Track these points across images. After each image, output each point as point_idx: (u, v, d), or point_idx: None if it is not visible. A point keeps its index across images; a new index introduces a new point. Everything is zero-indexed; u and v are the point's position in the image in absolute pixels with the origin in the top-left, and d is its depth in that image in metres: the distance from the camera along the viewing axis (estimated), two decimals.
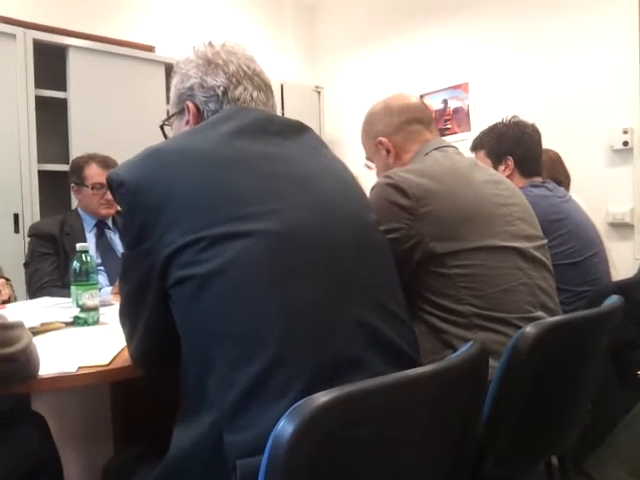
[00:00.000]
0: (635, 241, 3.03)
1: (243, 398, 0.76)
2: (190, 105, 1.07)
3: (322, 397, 0.63)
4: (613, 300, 1.18)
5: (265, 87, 1.10)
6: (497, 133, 2.00)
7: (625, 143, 3.02)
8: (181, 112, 1.11)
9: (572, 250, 1.80)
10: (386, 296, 0.93)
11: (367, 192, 1.14)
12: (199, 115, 1.07)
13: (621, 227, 3.07)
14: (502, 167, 1.96)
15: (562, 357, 1.10)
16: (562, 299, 1.43)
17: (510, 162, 1.96)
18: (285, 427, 0.61)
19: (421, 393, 0.75)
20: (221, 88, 1.05)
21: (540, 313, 1.22)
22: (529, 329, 1.00)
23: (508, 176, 1.90)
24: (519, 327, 1.05)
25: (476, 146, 2.08)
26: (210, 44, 1.10)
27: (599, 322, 1.15)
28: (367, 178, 1.49)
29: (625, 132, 3.01)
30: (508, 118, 2.03)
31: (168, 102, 1.20)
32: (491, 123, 2.08)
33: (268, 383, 0.76)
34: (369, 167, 1.54)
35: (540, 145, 2.02)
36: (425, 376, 0.74)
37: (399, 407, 0.73)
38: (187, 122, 1.09)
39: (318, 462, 0.63)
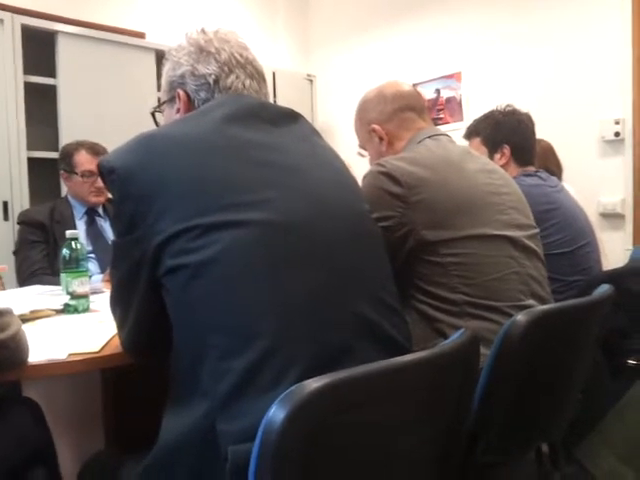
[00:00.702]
0: (626, 231, 3.04)
1: (236, 388, 0.75)
2: (181, 93, 1.06)
3: (314, 383, 0.62)
4: (604, 289, 1.19)
5: (258, 75, 1.08)
6: (494, 121, 1.97)
7: (617, 134, 3.02)
8: (172, 100, 1.09)
9: (564, 240, 1.80)
10: (380, 286, 0.92)
11: (359, 180, 1.13)
12: (190, 103, 1.06)
13: (612, 217, 3.08)
14: (498, 155, 1.94)
15: (553, 345, 1.10)
16: (554, 288, 1.43)
17: (506, 150, 1.93)
18: (277, 413, 0.61)
19: (413, 380, 0.75)
20: (212, 76, 1.03)
21: (531, 301, 1.22)
22: (520, 317, 1.00)
23: (503, 165, 1.89)
24: (510, 315, 1.06)
25: (471, 133, 2.04)
26: (203, 31, 1.08)
27: (590, 311, 1.16)
28: (360, 166, 1.49)
29: (617, 123, 3.02)
30: (503, 106, 2.00)
31: (159, 89, 1.19)
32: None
33: (261, 374, 0.75)
34: (362, 155, 1.54)
35: (534, 134, 2.00)
36: (416, 363, 0.74)
37: (391, 394, 0.73)
38: (178, 110, 1.08)
39: (310, 448, 0.63)
